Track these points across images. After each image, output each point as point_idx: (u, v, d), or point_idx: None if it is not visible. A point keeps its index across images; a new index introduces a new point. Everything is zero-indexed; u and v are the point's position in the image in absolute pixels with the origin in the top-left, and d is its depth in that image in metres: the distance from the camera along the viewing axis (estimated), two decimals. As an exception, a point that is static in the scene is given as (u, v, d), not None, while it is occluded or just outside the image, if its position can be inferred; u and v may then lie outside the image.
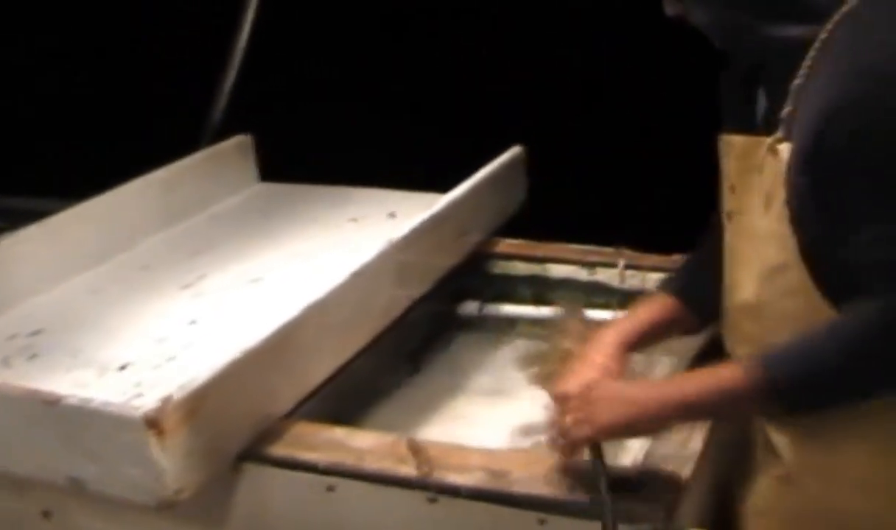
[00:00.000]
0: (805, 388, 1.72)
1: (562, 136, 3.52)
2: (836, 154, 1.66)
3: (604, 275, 2.83)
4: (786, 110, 1.75)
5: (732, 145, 1.87)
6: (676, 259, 2.80)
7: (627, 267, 2.80)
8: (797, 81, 1.73)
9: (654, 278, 2.80)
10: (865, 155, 1.63)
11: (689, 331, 2.17)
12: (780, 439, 1.91)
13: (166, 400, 1.90)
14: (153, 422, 1.88)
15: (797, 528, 1.93)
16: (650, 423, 1.84)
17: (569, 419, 1.86)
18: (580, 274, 2.87)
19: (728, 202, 1.91)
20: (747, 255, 1.87)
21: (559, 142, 3.39)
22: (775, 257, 1.79)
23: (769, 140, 1.76)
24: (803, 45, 1.72)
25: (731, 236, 1.91)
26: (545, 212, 2.93)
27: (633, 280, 2.82)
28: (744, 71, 1.86)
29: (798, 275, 1.76)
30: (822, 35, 1.69)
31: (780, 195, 1.74)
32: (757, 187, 1.81)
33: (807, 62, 1.72)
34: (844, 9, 1.70)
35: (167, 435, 1.90)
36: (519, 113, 3.76)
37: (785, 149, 1.73)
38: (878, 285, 1.64)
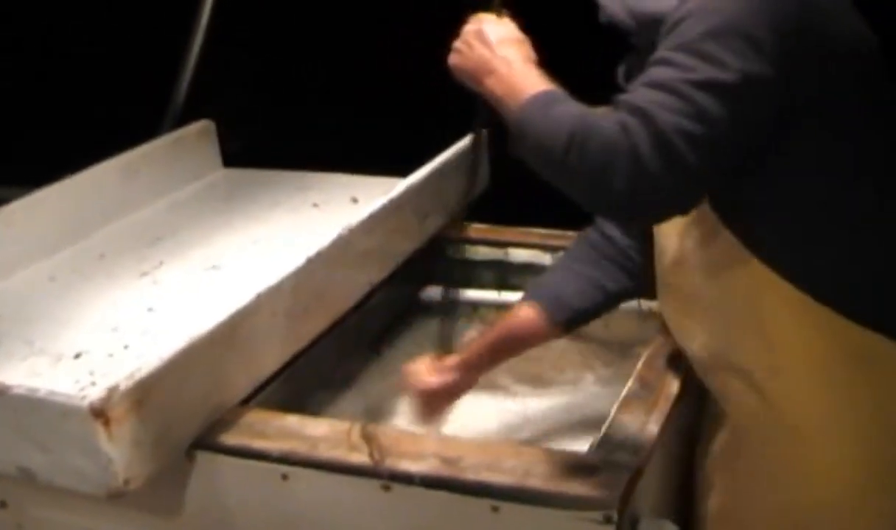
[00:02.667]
0: (525, 139, 1.78)
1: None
2: None
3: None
4: None
5: None
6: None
7: (590, 251, 2.78)
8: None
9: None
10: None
11: (550, 337, 2.28)
12: (720, 387, 2.01)
13: (113, 390, 1.88)
14: (99, 412, 1.86)
15: (739, 473, 2.00)
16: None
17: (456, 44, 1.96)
18: (543, 258, 2.85)
19: None
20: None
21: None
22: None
23: None
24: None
25: None
26: (508, 196, 2.91)
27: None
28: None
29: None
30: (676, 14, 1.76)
31: None
32: None
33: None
34: None
35: (114, 425, 1.87)
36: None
37: None
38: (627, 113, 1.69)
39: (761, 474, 1.96)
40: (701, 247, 1.91)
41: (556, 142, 1.71)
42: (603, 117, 1.71)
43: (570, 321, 2.25)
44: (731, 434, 2.02)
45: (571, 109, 1.76)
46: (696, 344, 2.03)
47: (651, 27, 1.82)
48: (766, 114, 1.73)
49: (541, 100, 1.79)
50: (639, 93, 1.70)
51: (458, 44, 1.96)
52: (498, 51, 1.90)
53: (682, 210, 1.76)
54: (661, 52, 1.73)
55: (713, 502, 2.08)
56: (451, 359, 2.29)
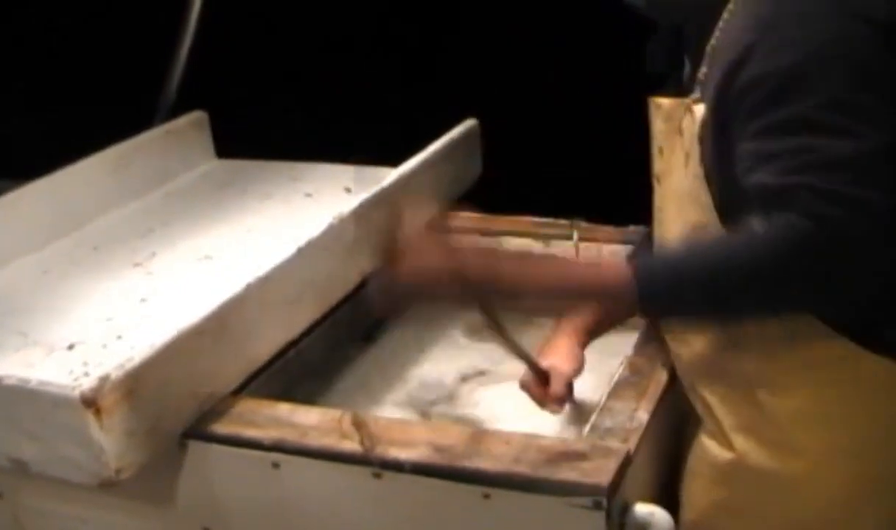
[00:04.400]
0: (666, 297, 1.72)
1: (516, 109, 3.50)
2: (730, 102, 1.69)
3: (559, 248, 2.82)
4: (702, 71, 1.80)
5: (660, 107, 1.90)
6: (631, 231, 2.81)
7: (582, 239, 2.79)
8: (711, 43, 1.77)
9: (608, 250, 2.80)
10: (752, 96, 1.65)
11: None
12: (711, 398, 1.96)
13: (103, 379, 1.89)
14: (90, 402, 1.86)
15: (726, 486, 1.98)
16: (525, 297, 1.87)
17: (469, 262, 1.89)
18: (535, 247, 2.86)
19: (656, 164, 1.96)
20: (672, 216, 1.91)
21: (514, 114, 3.37)
22: (695, 216, 1.83)
23: (687, 100, 1.81)
24: (717, 7, 1.75)
25: (659, 198, 1.97)
26: (500, 185, 2.92)
27: (588, 252, 2.81)
28: (669, 37, 1.87)
29: (716, 232, 1.79)
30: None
31: (696, 154, 1.79)
32: (679, 148, 1.84)
33: (720, 24, 1.75)
34: None
35: (105, 415, 1.88)
36: (474, 85, 3.74)
37: (699, 109, 1.77)
38: (753, 207, 1.64)
39: (751, 486, 1.95)
40: None
41: (748, 280, 1.64)
42: (763, 229, 1.61)
43: None
44: (721, 444, 1.98)
45: (711, 253, 1.69)
46: (693, 351, 1.99)
47: (675, 7, 1.80)
48: None
49: (657, 268, 1.74)
50: (785, 182, 1.60)
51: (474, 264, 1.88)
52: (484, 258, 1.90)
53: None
54: (769, 118, 1.63)
55: (697, 510, 2.07)
56: None
